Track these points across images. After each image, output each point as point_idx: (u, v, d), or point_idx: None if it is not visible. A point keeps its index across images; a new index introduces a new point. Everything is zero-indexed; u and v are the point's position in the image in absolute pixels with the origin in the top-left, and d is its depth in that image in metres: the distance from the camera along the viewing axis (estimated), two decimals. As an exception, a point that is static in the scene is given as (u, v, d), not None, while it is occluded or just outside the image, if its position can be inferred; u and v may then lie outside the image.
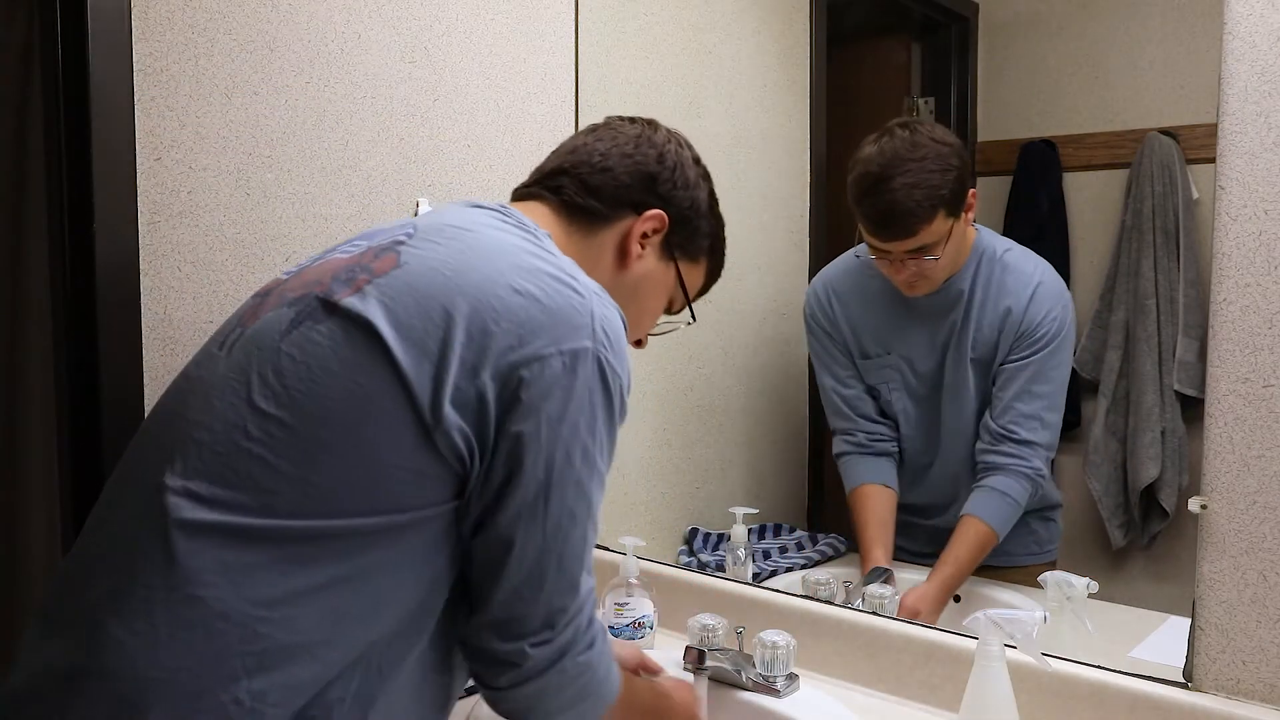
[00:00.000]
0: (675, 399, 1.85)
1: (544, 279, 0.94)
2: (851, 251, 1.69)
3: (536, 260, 0.96)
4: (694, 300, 1.21)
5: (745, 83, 1.89)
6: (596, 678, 0.97)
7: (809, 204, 1.88)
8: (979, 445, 1.54)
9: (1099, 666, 1.23)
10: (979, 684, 1.13)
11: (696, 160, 1.17)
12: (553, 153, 1.16)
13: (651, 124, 1.17)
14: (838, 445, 1.70)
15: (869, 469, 1.66)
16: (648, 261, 1.13)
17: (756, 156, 1.89)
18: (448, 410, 0.87)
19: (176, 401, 0.95)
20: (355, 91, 1.46)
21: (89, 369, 1.21)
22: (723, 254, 1.22)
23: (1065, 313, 1.50)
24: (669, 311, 1.20)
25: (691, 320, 1.22)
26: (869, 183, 1.48)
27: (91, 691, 0.83)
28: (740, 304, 1.88)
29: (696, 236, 1.17)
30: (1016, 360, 1.51)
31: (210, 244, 1.32)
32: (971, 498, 1.52)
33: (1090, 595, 1.34)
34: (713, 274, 1.23)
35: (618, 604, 1.49)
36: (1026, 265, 1.53)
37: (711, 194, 1.19)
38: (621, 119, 1.18)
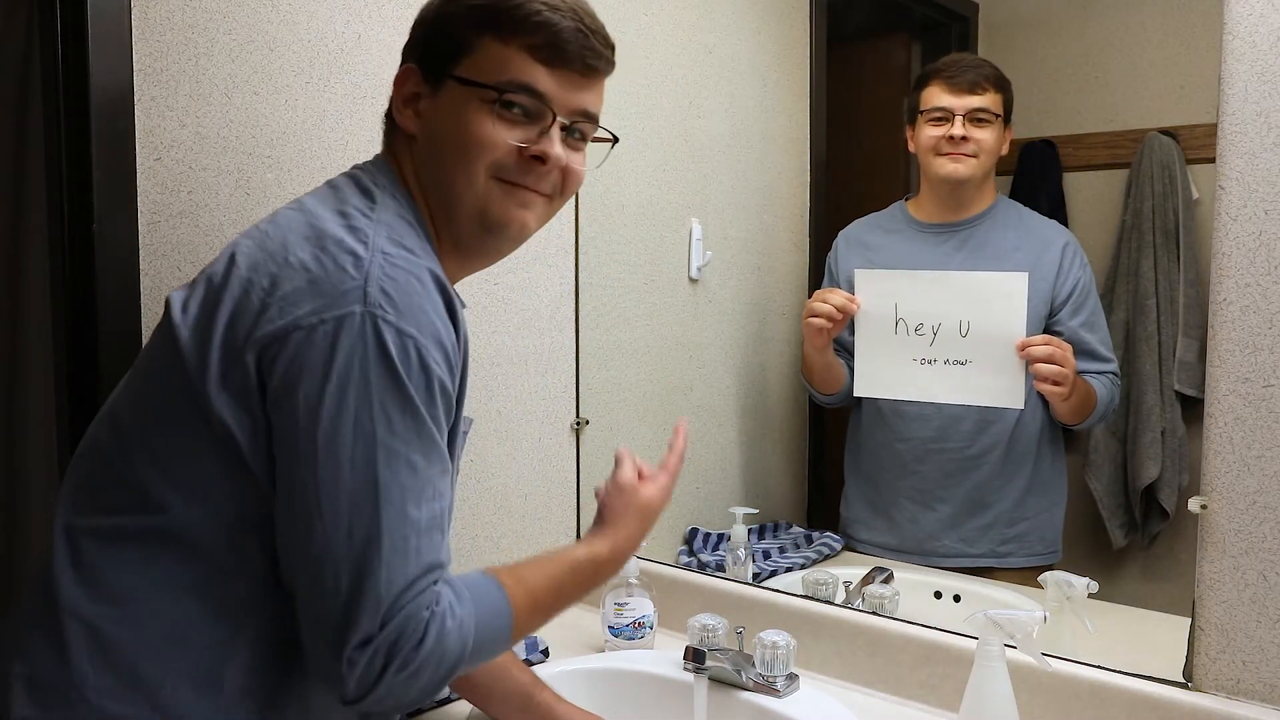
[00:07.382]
0: (675, 399, 1.85)
1: (326, 245, 0.88)
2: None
3: (329, 224, 0.90)
4: (533, 78, 0.97)
5: (745, 83, 1.89)
6: (452, 651, 0.85)
7: (809, 204, 1.88)
8: None
9: (1099, 666, 1.23)
10: (979, 684, 1.13)
11: None
12: None
13: None
14: None
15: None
16: (428, 112, 0.99)
17: (756, 156, 1.89)
18: (214, 393, 0.86)
19: None
20: (355, 91, 1.46)
21: (89, 369, 1.21)
22: (508, 10, 0.96)
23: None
24: (525, 115, 0.99)
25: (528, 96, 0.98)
26: (961, 57, 1.62)
27: None
28: (740, 304, 1.88)
29: (452, 34, 0.98)
30: None
31: (210, 244, 1.32)
32: None
33: (1090, 595, 1.34)
34: (514, 26, 0.96)
35: (618, 604, 1.49)
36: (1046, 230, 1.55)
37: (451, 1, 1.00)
38: None
